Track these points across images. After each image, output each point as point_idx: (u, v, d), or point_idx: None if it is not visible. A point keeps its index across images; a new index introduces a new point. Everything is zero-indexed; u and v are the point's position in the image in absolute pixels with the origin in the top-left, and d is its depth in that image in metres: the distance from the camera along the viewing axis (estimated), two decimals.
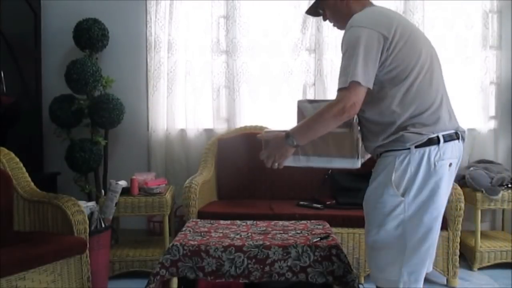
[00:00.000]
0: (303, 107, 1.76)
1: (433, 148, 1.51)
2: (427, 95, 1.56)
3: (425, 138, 1.51)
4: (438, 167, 1.51)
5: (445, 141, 1.52)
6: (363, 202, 1.63)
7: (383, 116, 1.55)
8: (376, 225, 1.56)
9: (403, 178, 1.51)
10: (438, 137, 1.52)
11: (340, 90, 1.49)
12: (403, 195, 1.51)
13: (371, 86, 1.49)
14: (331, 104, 1.51)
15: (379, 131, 1.57)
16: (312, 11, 1.79)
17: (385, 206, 1.53)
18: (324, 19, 1.76)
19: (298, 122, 1.75)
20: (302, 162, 1.71)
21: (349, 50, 1.50)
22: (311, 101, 1.77)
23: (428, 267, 1.61)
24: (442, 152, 1.51)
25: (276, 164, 1.66)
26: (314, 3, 1.75)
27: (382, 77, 1.52)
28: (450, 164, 1.54)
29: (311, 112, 1.65)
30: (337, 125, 1.53)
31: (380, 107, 1.55)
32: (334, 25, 1.76)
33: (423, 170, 1.50)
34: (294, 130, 1.61)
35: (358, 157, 1.66)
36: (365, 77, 1.46)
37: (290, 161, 1.69)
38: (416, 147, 1.51)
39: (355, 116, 1.67)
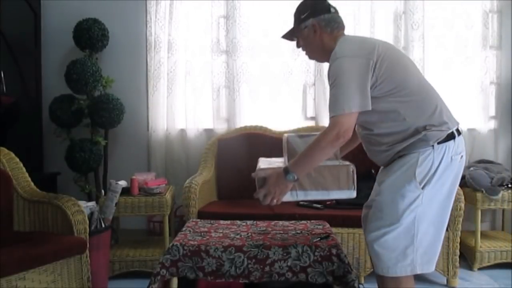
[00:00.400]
0: (294, 142, 1.82)
1: (451, 143, 1.63)
2: (430, 96, 1.68)
3: (445, 134, 1.62)
4: (454, 160, 1.64)
5: (458, 135, 1.66)
6: (377, 198, 1.68)
7: (395, 126, 1.64)
8: (389, 223, 1.62)
9: (427, 173, 1.60)
10: (453, 132, 1.64)
11: (333, 117, 1.58)
12: (423, 188, 1.60)
13: (368, 108, 1.58)
14: (325, 131, 1.59)
15: (396, 139, 1.65)
16: (288, 36, 1.88)
17: (404, 200, 1.61)
18: (298, 46, 1.85)
19: (287, 156, 1.84)
20: (300, 196, 1.77)
21: (337, 79, 1.58)
22: (301, 136, 1.83)
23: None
24: (457, 145, 1.65)
25: (275, 200, 1.68)
26: (290, 30, 1.85)
27: (381, 94, 1.61)
28: (462, 156, 1.67)
29: (303, 146, 1.74)
30: (334, 151, 1.65)
31: (389, 120, 1.64)
32: (306, 54, 1.86)
33: (444, 164, 1.61)
34: (293, 164, 1.65)
35: (354, 188, 1.76)
36: (358, 102, 1.56)
37: (287, 197, 1.75)
38: (438, 143, 1.61)
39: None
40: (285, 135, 1.87)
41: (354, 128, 1.80)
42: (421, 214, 1.62)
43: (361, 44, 1.68)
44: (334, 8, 1.79)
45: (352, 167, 1.76)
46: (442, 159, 1.61)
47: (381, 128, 1.67)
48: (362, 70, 1.58)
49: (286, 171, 1.64)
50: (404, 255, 1.62)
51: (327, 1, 1.80)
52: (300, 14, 1.78)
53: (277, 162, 1.91)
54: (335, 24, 1.76)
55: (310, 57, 1.87)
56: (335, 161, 1.78)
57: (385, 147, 1.68)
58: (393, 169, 1.67)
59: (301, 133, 1.86)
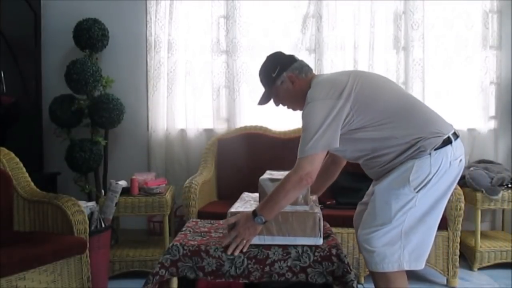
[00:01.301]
0: (265, 185, 1.85)
1: (449, 148, 1.64)
2: (417, 110, 1.72)
3: (441, 140, 1.64)
4: (453, 165, 1.66)
5: (454, 140, 1.67)
6: (372, 199, 1.72)
7: (390, 147, 1.68)
8: (381, 223, 1.67)
9: (423, 179, 1.63)
10: (449, 137, 1.66)
11: (298, 159, 1.64)
12: (417, 191, 1.64)
13: (335, 146, 1.64)
14: (289, 174, 1.65)
15: (395, 155, 1.68)
16: (264, 100, 1.95)
17: (398, 202, 1.64)
18: (277, 105, 1.92)
19: (259, 198, 1.87)
20: (267, 241, 1.81)
21: (306, 123, 1.65)
22: (272, 180, 1.85)
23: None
24: (455, 150, 1.66)
25: (244, 242, 1.72)
26: (265, 94, 1.92)
27: (363, 125, 1.67)
28: (461, 160, 1.69)
29: (272, 189, 1.79)
30: (299, 193, 1.71)
31: (383, 144, 1.68)
32: (288, 107, 1.92)
33: (442, 169, 1.64)
34: (260, 208, 1.69)
35: (320, 236, 1.79)
36: (323, 143, 1.61)
37: (255, 240, 1.80)
38: (435, 149, 1.63)
39: (314, 196, 1.99)
40: (260, 178, 1.90)
41: (331, 165, 1.96)
42: (412, 214, 1.66)
43: (331, 84, 1.71)
44: (295, 56, 1.89)
45: (319, 215, 1.80)
46: (440, 165, 1.63)
47: (377, 151, 1.71)
48: (331, 112, 1.62)
49: (254, 214, 1.69)
50: (391, 251, 1.66)
51: (287, 54, 1.90)
52: (270, 74, 1.85)
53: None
54: (306, 67, 1.86)
55: (295, 109, 1.91)
56: (304, 206, 1.83)
57: (384, 164, 1.72)
58: (390, 172, 1.70)
59: (273, 176, 1.89)
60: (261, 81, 1.92)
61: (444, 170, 1.64)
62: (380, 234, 1.67)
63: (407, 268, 1.69)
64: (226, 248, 1.74)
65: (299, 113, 3.79)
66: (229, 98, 3.52)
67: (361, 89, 1.67)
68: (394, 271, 1.67)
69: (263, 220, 1.68)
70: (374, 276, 1.74)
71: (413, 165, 1.64)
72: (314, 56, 3.48)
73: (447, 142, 1.65)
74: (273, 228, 1.80)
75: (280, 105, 1.93)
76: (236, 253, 1.72)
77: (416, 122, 1.68)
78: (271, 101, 1.96)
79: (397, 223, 1.66)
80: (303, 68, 1.85)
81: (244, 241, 1.72)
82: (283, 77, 1.83)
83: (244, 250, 1.72)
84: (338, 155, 1.90)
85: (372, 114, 1.67)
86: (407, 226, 1.67)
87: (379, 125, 1.67)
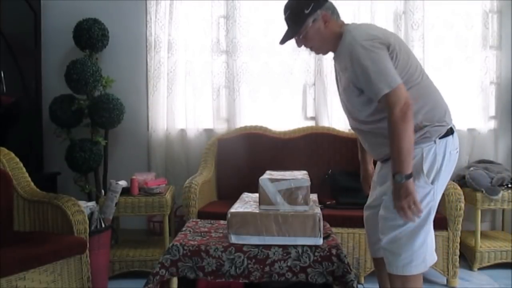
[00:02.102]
0: (264, 185, 1.86)
1: (450, 138, 1.66)
2: (433, 91, 1.71)
3: (445, 129, 1.65)
4: (452, 155, 1.68)
5: (455, 130, 1.70)
6: (386, 198, 1.69)
7: None
8: (403, 222, 1.64)
9: (433, 167, 1.63)
10: (451, 127, 1.68)
11: (387, 94, 1.55)
12: (432, 183, 1.64)
13: (400, 81, 1.58)
14: (392, 112, 1.55)
15: None
16: (289, 38, 1.81)
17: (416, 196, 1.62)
18: (300, 45, 1.81)
19: (260, 199, 1.87)
20: (267, 241, 1.82)
21: (367, 62, 1.57)
22: (272, 180, 1.86)
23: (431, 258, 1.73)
24: (454, 140, 1.69)
25: (415, 207, 1.60)
26: (289, 31, 1.78)
27: None
28: (457, 151, 1.72)
29: (272, 189, 1.82)
30: (412, 124, 1.57)
31: None
32: (312, 50, 1.82)
33: (446, 159, 1.65)
34: (393, 167, 1.61)
35: (320, 236, 1.81)
36: (397, 76, 1.57)
37: (255, 240, 1.81)
38: (439, 138, 1.64)
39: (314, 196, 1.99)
40: (260, 178, 1.90)
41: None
42: (432, 208, 1.66)
43: (377, 31, 1.67)
44: None
45: (319, 215, 1.80)
46: (444, 154, 1.64)
47: (381, 118, 1.66)
48: (385, 53, 1.59)
49: (393, 177, 1.60)
50: (418, 253, 1.65)
51: None
52: (302, 10, 1.70)
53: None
54: (337, 10, 1.76)
55: (318, 51, 1.83)
56: (304, 206, 1.84)
57: (387, 140, 1.66)
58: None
59: (273, 176, 1.89)
60: (288, 17, 1.77)
61: (447, 159, 1.65)
62: (404, 235, 1.65)
63: (429, 265, 1.70)
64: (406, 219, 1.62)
65: (299, 113, 3.78)
66: (229, 98, 3.52)
67: (400, 50, 1.64)
68: (419, 273, 1.67)
69: (403, 176, 1.56)
70: (396, 279, 1.69)
71: (422, 154, 1.62)
72: (314, 56, 3.48)
73: (450, 132, 1.67)
74: (273, 228, 1.81)
75: (303, 46, 1.79)
76: (417, 217, 1.61)
77: (430, 102, 1.66)
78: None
79: (419, 220, 1.63)
80: (335, 10, 1.74)
81: (412, 205, 1.59)
82: (317, 14, 1.69)
83: (418, 211, 1.60)
84: (355, 110, 1.77)
85: (403, 73, 1.62)
86: (429, 222, 1.66)
87: (405, 85, 1.62)
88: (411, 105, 1.55)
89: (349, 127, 3.39)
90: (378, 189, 1.83)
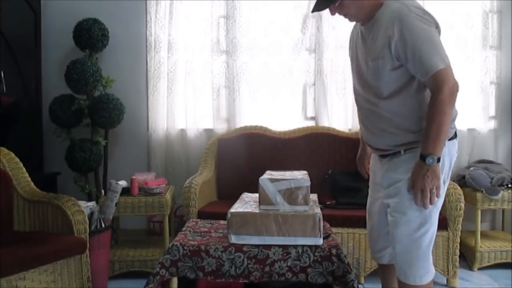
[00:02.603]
0: (264, 185, 1.85)
1: (456, 141, 1.66)
2: None
3: (453, 132, 1.63)
4: (455, 157, 1.67)
5: (457, 134, 1.68)
6: (394, 201, 1.63)
7: (416, 110, 1.59)
8: (418, 225, 1.60)
9: (443, 168, 1.59)
10: (456, 131, 1.67)
11: (439, 71, 1.47)
12: (443, 183, 1.60)
13: (449, 62, 1.51)
14: (437, 97, 1.48)
15: (409, 126, 1.61)
16: (321, 6, 1.67)
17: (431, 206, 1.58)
18: (333, 14, 1.67)
19: (260, 199, 1.87)
20: (267, 241, 1.82)
21: (425, 32, 1.48)
22: (272, 180, 1.86)
23: None
24: (456, 144, 1.67)
25: (434, 194, 1.54)
26: (329, 1, 1.63)
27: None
28: (457, 155, 1.69)
29: (272, 189, 1.81)
30: (454, 107, 1.52)
31: (416, 100, 1.59)
32: (346, 16, 1.67)
33: (453, 161, 1.64)
34: (424, 147, 1.52)
35: (320, 236, 1.81)
36: (446, 56, 1.50)
37: (255, 240, 1.80)
38: (448, 140, 1.60)
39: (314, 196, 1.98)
40: (260, 178, 1.89)
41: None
42: (439, 209, 1.65)
43: (424, 9, 1.56)
44: None
45: (319, 215, 1.79)
46: (452, 155, 1.63)
47: (404, 106, 1.59)
48: (435, 30, 1.53)
49: (423, 157, 1.52)
50: (429, 262, 1.64)
51: None
52: None
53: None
54: None
55: (352, 19, 1.68)
56: (304, 206, 1.84)
57: (394, 129, 1.62)
58: (406, 166, 1.60)
59: (273, 176, 1.89)
60: None
61: (453, 162, 1.64)
62: (420, 242, 1.60)
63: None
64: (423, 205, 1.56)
65: (299, 113, 3.78)
66: (229, 98, 3.52)
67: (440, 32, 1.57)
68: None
69: (436, 158, 1.50)
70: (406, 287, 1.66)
71: None
72: (314, 56, 3.48)
73: (455, 135, 1.65)
74: (273, 228, 1.81)
75: (336, 13, 1.67)
76: (433, 203, 1.55)
77: None
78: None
79: (431, 223, 1.60)
80: None
81: (434, 190, 1.53)
82: None
83: (437, 198, 1.56)
84: (381, 84, 1.62)
85: None
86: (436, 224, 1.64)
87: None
88: (458, 89, 1.50)
89: (349, 127, 3.44)
90: (383, 192, 1.72)
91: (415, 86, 1.58)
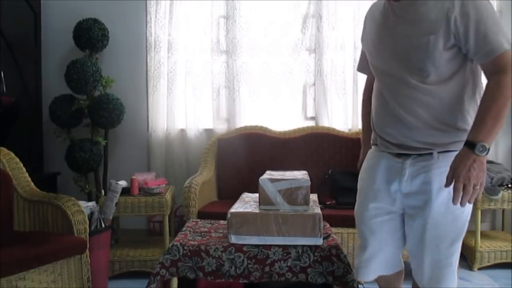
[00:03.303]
0: (264, 185, 1.85)
1: None
2: None
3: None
4: None
5: None
6: (430, 216, 1.43)
7: (465, 102, 1.39)
8: (451, 239, 1.45)
9: None
10: None
11: (504, 53, 1.30)
12: None
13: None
14: (506, 73, 1.29)
15: (454, 121, 1.41)
16: None
17: (464, 211, 1.43)
18: None
19: (260, 199, 1.86)
20: (267, 241, 1.81)
21: (491, 10, 1.33)
22: (272, 180, 1.86)
23: None
24: None
25: (476, 192, 1.31)
26: None
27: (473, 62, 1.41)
28: None
29: (272, 189, 1.79)
30: None
31: (466, 91, 1.41)
32: None
33: None
34: (475, 133, 1.31)
35: (320, 236, 1.80)
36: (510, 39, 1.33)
37: (255, 240, 1.80)
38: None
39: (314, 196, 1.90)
40: (260, 178, 1.88)
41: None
42: None
43: None
44: None
45: (319, 215, 1.79)
46: None
47: (448, 87, 1.39)
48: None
49: (471, 145, 1.29)
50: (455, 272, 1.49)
51: None
52: None
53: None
54: None
55: None
56: (304, 206, 1.83)
57: (434, 121, 1.40)
58: (438, 171, 1.40)
59: (273, 176, 1.89)
60: None
61: None
62: (452, 258, 1.45)
63: None
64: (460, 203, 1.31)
65: (299, 112, 3.77)
66: (229, 98, 3.52)
67: None
68: None
69: (487, 148, 1.28)
70: None
71: None
72: (314, 56, 3.48)
73: None
74: (273, 228, 1.81)
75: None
76: (472, 201, 1.33)
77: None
78: None
79: (463, 234, 1.45)
80: None
81: (478, 186, 1.29)
82: None
83: (479, 197, 1.40)
84: (430, 66, 1.39)
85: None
86: None
87: (474, 76, 1.40)
88: None
89: (349, 127, 3.44)
90: (397, 199, 1.51)
91: (467, 74, 1.40)
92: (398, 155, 1.49)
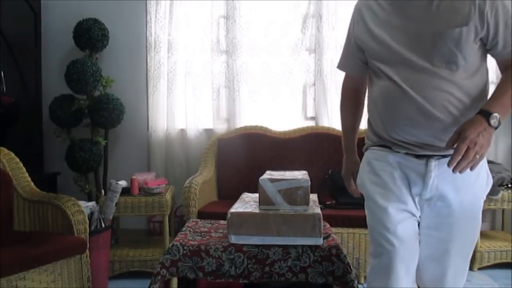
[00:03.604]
0: (264, 185, 1.85)
1: None
2: None
3: None
4: None
5: None
6: (454, 231, 1.41)
7: (483, 100, 1.34)
8: (473, 244, 1.50)
9: (488, 183, 1.44)
10: None
11: None
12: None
13: None
14: None
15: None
16: None
17: (480, 208, 1.43)
18: None
19: (260, 199, 1.85)
20: (267, 241, 1.81)
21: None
22: (272, 180, 1.85)
23: None
24: None
25: (475, 161, 1.22)
26: None
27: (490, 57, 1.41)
28: None
29: (272, 189, 1.79)
30: None
31: (484, 88, 1.38)
32: None
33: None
34: (491, 105, 1.27)
35: (320, 236, 1.79)
36: None
37: (255, 240, 1.80)
38: None
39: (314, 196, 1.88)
40: (260, 178, 1.88)
41: (358, 93, 1.62)
42: None
43: None
44: None
45: (319, 215, 1.79)
46: None
47: (474, 83, 1.35)
48: None
49: (486, 114, 1.24)
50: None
51: None
52: None
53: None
54: None
55: None
56: (304, 206, 1.83)
57: (461, 118, 1.31)
58: (468, 177, 1.31)
59: (273, 176, 1.89)
60: None
61: None
62: (467, 261, 1.50)
63: None
64: (455, 166, 1.21)
65: (299, 112, 3.77)
66: (229, 98, 3.52)
67: None
68: None
69: (498, 123, 1.24)
70: None
71: (483, 162, 1.38)
72: (314, 56, 3.48)
73: None
74: (273, 228, 1.81)
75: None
76: (467, 170, 1.22)
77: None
78: None
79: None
80: None
81: (478, 156, 1.21)
82: None
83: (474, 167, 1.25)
84: (460, 58, 1.33)
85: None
86: None
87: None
88: None
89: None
90: (422, 204, 1.41)
91: (484, 70, 1.40)
92: (419, 156, 1.37)
